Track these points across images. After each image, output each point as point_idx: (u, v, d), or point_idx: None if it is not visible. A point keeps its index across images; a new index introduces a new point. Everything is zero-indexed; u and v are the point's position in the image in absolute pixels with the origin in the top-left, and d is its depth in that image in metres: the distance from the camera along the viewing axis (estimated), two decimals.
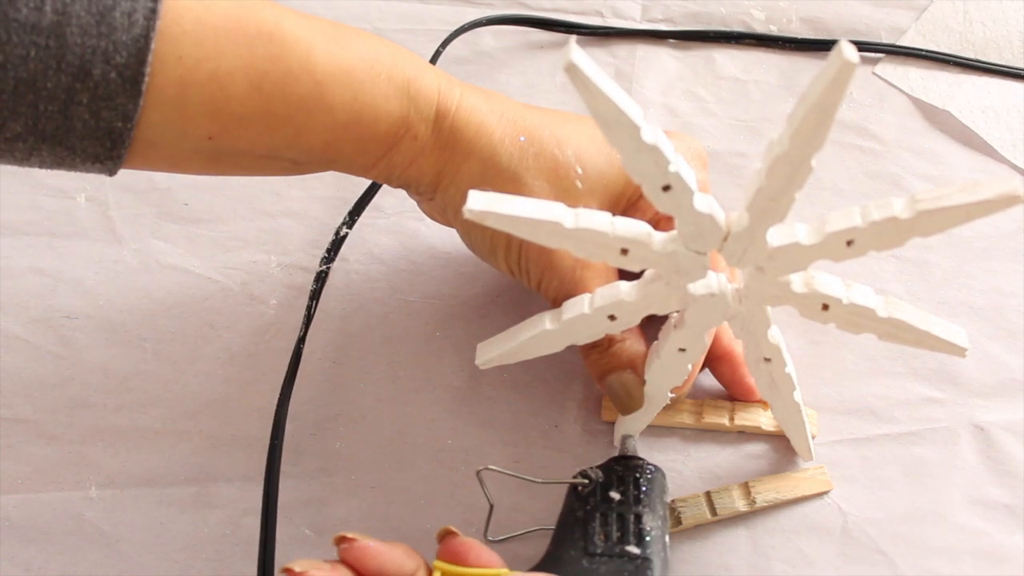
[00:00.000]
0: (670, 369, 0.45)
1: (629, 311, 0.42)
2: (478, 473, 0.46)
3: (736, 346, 0.49)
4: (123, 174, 0.57)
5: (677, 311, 0.43)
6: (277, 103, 0.41)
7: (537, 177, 0.45)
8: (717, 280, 0.41)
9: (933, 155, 0.59)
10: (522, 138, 0.45)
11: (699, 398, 0.51)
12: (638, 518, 0.44)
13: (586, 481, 0.46)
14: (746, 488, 0.48)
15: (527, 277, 0.47)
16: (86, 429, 0.51)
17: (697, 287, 0.41)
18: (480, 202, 0.37)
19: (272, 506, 0.46)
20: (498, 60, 0.63)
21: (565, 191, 0.45)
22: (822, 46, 0.62)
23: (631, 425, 0.49)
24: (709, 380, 0.51)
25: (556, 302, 0.45)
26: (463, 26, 0.62)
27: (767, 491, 0.48)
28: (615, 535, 0.44)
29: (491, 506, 0.47)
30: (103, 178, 0.57)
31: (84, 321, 0.53)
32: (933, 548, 0.48)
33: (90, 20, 0.37)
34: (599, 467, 0.46)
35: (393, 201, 0.57)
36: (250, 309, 0.54)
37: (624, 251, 0.38)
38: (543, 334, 0.43)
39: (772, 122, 0.60)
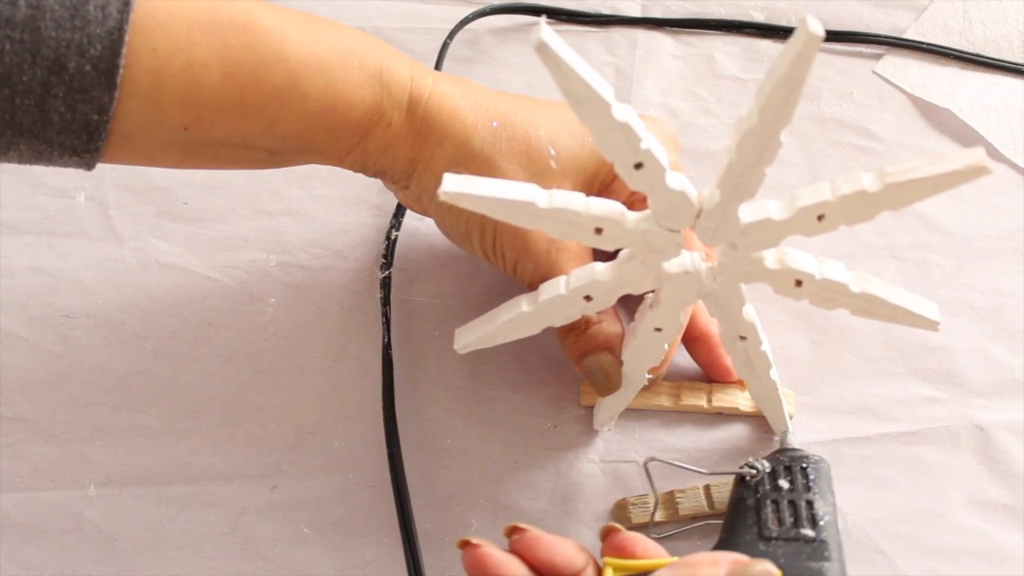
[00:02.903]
0: (647, 349, 0.45)
1: (605, 291, 0.42)
2: (645, 464, 0.47)
3: (712, 327, 0.50)
4: (122, 173, 0.58)
5: (652, 291, 0.43)
6: (251, 92, 0.42)
7: (510, 161, 0.45)
8: (691, 258, 0.41)
9: (933, 155, 0.58)
10: (495, 123, 0.46)
11: (677, 380, 0.51)
12: (810, 504, 0.45)
13: (754, 471, 0.46)
14: None
15: (502, 261, 0.48)
16: (85, 428, 0.51)
17: (671, 265, 0.41)
18: (455, 184, 0.37)
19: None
20: (497, 59, 0.63)
21: (538, 174, 0.46)
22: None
23: (610, 407, 0.49)
24: (687, 362, 0.52)
25: (532, 286, 0.45)
26: (466, 17, 0.62)
27: None
28: (788, 520, 0.44)
29: (656, 499, 0.48)
30: (102, 177, 0.57)
31: (84, 320, 0.53)
32: (933, 548, 0.48)
33: (64, 14, 0.38)
34: (765, 458, 0.47)
35: (392, 200, 0.57)
36: (249, 308, 0.54)
37: (598, 230, 0.39)
38: (520, 316, 0.43)
39: None
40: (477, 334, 0.44)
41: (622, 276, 0.41)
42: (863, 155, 0.59)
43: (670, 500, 0.48)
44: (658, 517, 0.48)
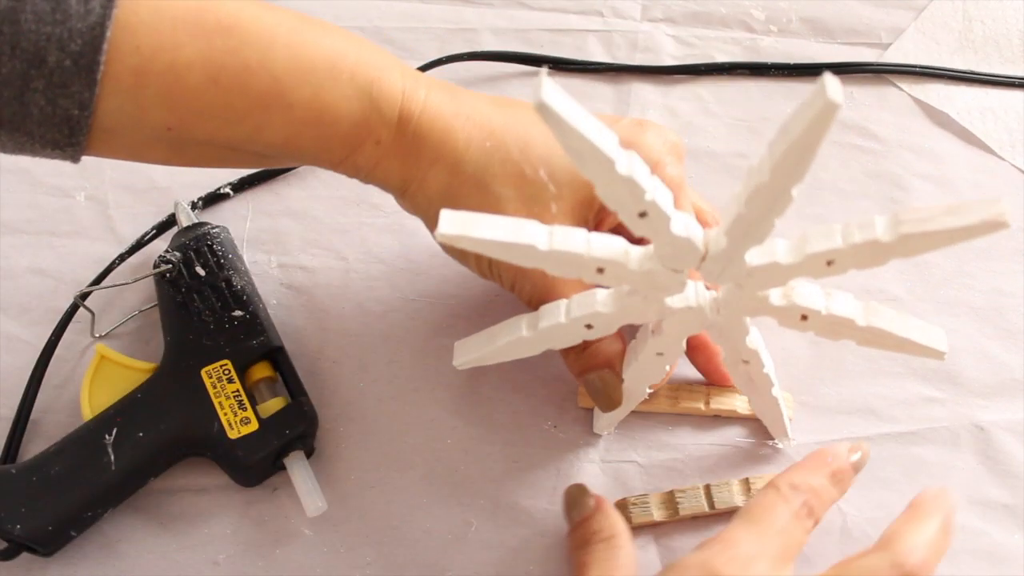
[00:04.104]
0: (648, 370, 0.45)
1: (606, 321, 0.41)
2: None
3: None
4: (122, 173, 0.58)
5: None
6: (235, 97, 0.41)
7: (504, 184, 0.44)
8: (695, 293, 0.41)
9: (933, 154, 0.58)
10: (488, 143, 0.44)
11: (675, 383, 0.51)
12: (228, 283, 0.50)
13: (169, 266, 0.50)
14: (746, 484, 0.49)
15: (500, 280, 0.47)
16: None
17: (675, 300, 0.40)
18: (451, 226, 0.36)
19: None
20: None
21: (533, 196, 0.44)
22: (813, 71, 0.61)
23: (611, 415, 0.49)
24: (685, 364, 0.52)
25: (531, 303, 0.45)
26: (437, 60, 0.61)
27: None
28: (217, 306, 0.50)
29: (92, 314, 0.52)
30: (102, 177, 0.57)
31: (84, 323, 0.53)
32: None
33: (45, 7, 0.37)
34: (174, 248, 0.51)
35: (392, 200, 0.56)
36: None
37: (600, 270, 0.38)
38: (519, 340, 0.42)
39: (773, 122, 0.60)
40: (477, 353, 0.43)
41: (624, 308, 0.41)
42: (863, 155, 0.58)
43: (670, 500, 0.48)
44: (657, 517, 0.48)
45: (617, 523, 0.46)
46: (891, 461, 0.50)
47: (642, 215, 0.35)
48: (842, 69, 0.61)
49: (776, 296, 0.40)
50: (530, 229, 0.36)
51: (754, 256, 0.37)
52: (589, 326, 0.42)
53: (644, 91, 0.61)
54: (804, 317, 0.40)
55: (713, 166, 0.58)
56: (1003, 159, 0.58)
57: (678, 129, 0.59)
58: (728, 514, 0.48)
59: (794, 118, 0.31)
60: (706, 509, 0.48)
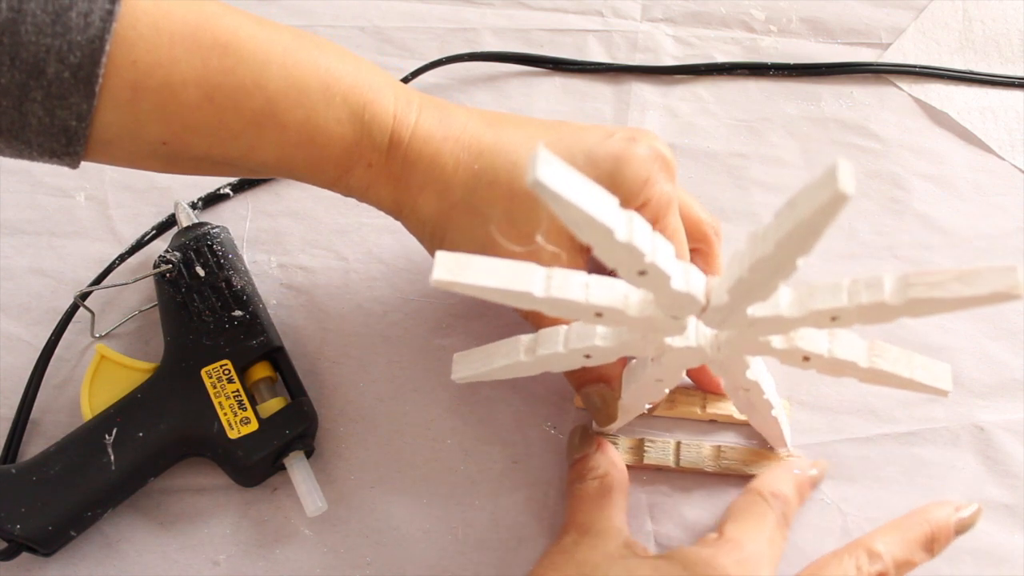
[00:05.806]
0: (647, 392, 0.46)
1: (604, 354, 0.41)
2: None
3: None
4: (123, 173, 0.58)
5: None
6: (229, 116, 0.41)
7: (492, 205, 0.44)
8: (695, 332, 0.40)
9: (934, 154, 0.58)
10: (476, 165, 0.44)
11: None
12: (228, 283, 0.51)
13: (169, 266, 0.50)
14: (717, 450, 0.49)
15: None
16: None
17: (675, 340, 0.40)
18: (446, 271, 0.35)
19: None
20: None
21: (523, 217, 0.44)
22: (813, 71, 0.61)
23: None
24: None
25: (529, 316, 0.46)
26: (437, 60, 0.61)
27: (734, 461, 0.49)
28: (218, 307, 0.50)
29: (92, 315, 0.52)
30: (103, 177, 0.57)
31: (84, 324, 0.53)
32: None
33: (45, 19, 0.37)
34: (174, 248, 0.51)
35: None
36: None
37: (599, 314, 0.37)
38: (518, 364, 0.42)
39: (772, 122, 0.60)
40: (475, 371, 0.43)
41: (623, 344, 0.40)
42: (863, 155, 0.58)
43: (638, 446, 0.49)
44: (624, 460, 0.49)
45: (614, 464, 0.47)
46: (891, 461, 0.50)
47: (641, 273, 0.34)
48: (842, 69, 0.61)
49: (778, 340, 0.39)
50: (526, 275, 0.36)
51: (757, 308, 0.37)
52: (587, 356, 0.41)
53: (644, 91, 0.61)
54: (806, 358, 0.40)
55: (713, 166, 0.58)
56: (1003, 159, 0.58)
57: (678, 129, 0.59)
58: (692, 473, 0.49)
59: (803, 196, 0.30)
60: (671, 464, 0.49)
